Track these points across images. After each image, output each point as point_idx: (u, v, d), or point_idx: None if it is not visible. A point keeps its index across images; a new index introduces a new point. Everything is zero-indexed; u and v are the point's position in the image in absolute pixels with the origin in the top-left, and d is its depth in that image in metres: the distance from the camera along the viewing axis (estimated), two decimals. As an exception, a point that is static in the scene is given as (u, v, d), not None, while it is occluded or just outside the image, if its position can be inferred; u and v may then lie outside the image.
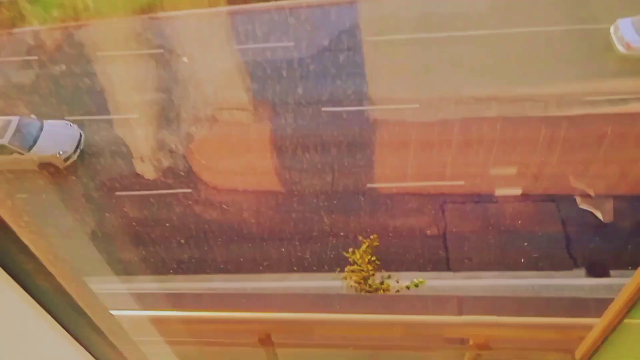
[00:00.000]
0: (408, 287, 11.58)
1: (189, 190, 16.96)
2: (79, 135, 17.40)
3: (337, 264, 13.04)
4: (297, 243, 15.69)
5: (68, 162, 16.81)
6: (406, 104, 17.53)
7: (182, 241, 16.12)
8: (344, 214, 15.88)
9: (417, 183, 16.22)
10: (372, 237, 11.53)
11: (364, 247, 11.51)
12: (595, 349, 3.67)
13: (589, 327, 3.77)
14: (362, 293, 11.42)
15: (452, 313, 4.68)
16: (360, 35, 20.25)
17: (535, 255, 14.68)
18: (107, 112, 18.67)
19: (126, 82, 19.89)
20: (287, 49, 20.11)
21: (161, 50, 20.67)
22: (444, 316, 4.24)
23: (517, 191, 15.38)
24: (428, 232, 15.36)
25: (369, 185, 16.26)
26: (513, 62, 18.23)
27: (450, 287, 14.53)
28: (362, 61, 19.25)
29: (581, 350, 3.87)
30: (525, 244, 14.90)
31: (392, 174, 16.55)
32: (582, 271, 14.45)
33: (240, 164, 17.42)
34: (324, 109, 18.13)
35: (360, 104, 18.08)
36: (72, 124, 17.67)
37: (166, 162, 17.60)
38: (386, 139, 17.17)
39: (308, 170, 16.83)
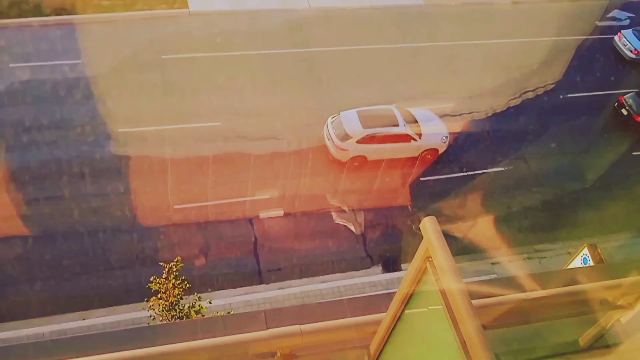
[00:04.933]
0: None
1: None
2: None
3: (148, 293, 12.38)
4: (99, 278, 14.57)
5: None
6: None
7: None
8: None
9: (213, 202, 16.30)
10: (174, 260, 11.12)
11: (165, 272, 11.04)
12: (385, 341, 4.02)
13: (380, 322, 4.11)
14: (173, 320, 10.95)
15: (260, 328, 4.73)
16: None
17: (333, 260, 15.86)
18: None
19: None
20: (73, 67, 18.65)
21: None
22: (249, 333, 4.26)
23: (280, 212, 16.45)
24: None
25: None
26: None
27: (264, 299, 14.82)
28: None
29: (374, 344, 4.20)
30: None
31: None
32: (379, 268, 15.93)
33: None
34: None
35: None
36: None
37: None
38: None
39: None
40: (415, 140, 17.74)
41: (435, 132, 18.19)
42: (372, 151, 17.55)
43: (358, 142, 17.26)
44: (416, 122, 18.10)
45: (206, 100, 18.67)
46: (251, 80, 19.64)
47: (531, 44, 22.82)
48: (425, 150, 18.04)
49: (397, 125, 17.64)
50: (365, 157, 17.59)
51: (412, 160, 18.17)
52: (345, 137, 17.26)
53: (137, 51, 19.69)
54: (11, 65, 18.55)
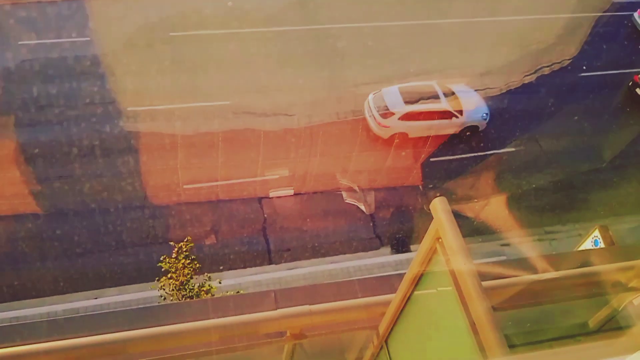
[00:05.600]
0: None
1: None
2: None
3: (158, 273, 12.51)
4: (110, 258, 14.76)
5: None
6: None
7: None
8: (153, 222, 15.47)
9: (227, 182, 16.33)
10: (184, 240, 11.19)
11: (175, 252, 11.13)
12: (394, 322, 4.02)
13: (389, 303, 4.11)
14: (183, 300, 11.07)
15: (270, 308, 4.76)
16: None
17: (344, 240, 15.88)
18: None
19: None
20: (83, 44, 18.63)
21: None
22: (259, 313, 4.29)
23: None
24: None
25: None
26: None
27: (273, 279, 14.92)
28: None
29: (383, 324, 4.21)
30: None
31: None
32: (388, 249, 15.95)
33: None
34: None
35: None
36: None
37: None
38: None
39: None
40: (456, 117, 17.59)
41: (476, 109, 18.03)
42: (414, 128, 17.41)
43: (400, 118, 17.13)
44: (457, 98, 17.93)
45: (216, 77, 18.61)
46: (262, 58, 19.52)
47: (546, 20, 22.38)
48: (465, 127, 17.91)
49: (439, 101, 17.47)
50: (406, 134, 17.46)
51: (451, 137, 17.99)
52: (387, 113, 17.14)
53: (146, 28, 19.59)
54: (20, 42, 18.56)
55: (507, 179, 17.79)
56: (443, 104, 17.44)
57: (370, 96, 17.85)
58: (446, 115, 17.46)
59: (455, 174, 17.56)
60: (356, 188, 16.72)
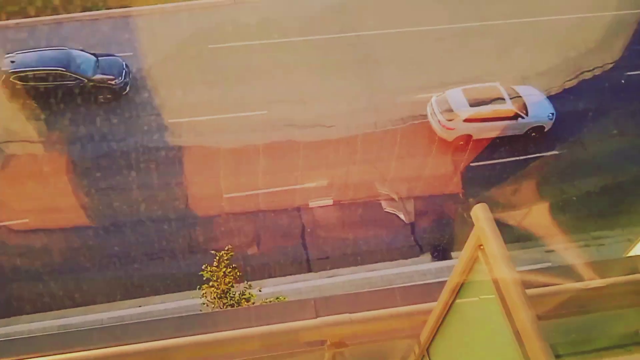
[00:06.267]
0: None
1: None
2: None
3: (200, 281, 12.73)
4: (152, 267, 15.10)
5: None
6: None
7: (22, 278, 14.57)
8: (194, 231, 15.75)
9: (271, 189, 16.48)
10: (226, 249, 11.34)
11: (216, 261, 11.29)
12: (436, 330, 3.96)
13: (430, 311, 4.05)
14: (224, 308, 11.21)
15: (310, 316, 4.77)
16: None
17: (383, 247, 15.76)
18: None
19: None
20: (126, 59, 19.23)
21: None
22: (300, 321, 4.30)
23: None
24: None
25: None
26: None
27: (312, 287, 14.93)
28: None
29: (425, 333, 4.15)
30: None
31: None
32: (428, 257, 15.74)
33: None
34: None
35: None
36: None
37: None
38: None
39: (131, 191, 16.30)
40: (522, 117, 17.40)
41: (542, 109, 17.79)
42: (479, 129, 17.34)
43: (465, 120, 17.11)
44: (521, 98, 17.75)
45: (255, 88, 18.88)
46: (298, 67, 19.69)
47: (589, 19, 21.76)
48: (531, 128, 17.68)
49: (503, 102, 17.35)
50: (470, 136, 17.41)
51: (517, 138, 17.82)
52: (452, 115, 17.14)
53: (185, 42, 20.10)
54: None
55: (552, 183, 17.33)
56: (508, 105, 17.31)
57: (433, 98, 17.89)
58: (512, 115, 17.31)
59: (496, 178, 17.21)
60: (395, 197, 16.56)
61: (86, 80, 17.68)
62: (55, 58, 17.69)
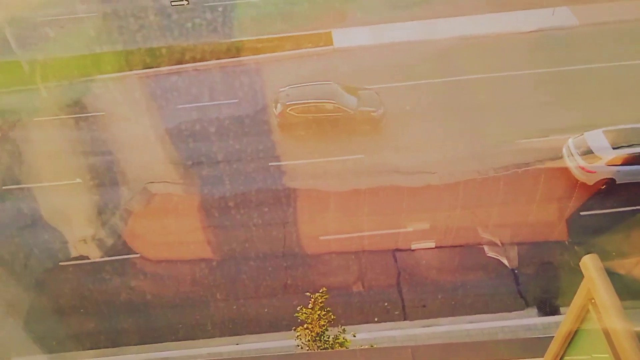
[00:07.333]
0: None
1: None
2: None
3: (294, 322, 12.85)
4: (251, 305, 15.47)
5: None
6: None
7: (130, 311, 15.52)
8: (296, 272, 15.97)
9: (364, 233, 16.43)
10: (320, 291, 11.35)
11: (311, 303, 11.31)
12: (542, 388, 3.70)
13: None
14: (317, 350, 11.15)
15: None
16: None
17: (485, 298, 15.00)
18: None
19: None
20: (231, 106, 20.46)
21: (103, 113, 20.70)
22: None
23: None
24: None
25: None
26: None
27: (407, 336, 14.47)
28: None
29: (530, 390, 3.89)
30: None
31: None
32: (534, 310, 14.73)
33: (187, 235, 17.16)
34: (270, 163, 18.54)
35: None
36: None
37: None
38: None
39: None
40: None
41: None
42: (623, 173, 16.51)
43: (607, 163, 16.45)
44: None
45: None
46: (400, 112, 19.79)
47: None
48: None
49: None
50: (614, 180, 16.61)
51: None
52: (593, 158, 16.58)
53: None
54: (179, 106, 20.91)
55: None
56: None
57: (570, 140, 17.31)
58: None
59: (608, 227, 15.96)
60: (497, 241, 15.82)
61: (351, 112, 19.05)
62: (324, 91, 19.38)
